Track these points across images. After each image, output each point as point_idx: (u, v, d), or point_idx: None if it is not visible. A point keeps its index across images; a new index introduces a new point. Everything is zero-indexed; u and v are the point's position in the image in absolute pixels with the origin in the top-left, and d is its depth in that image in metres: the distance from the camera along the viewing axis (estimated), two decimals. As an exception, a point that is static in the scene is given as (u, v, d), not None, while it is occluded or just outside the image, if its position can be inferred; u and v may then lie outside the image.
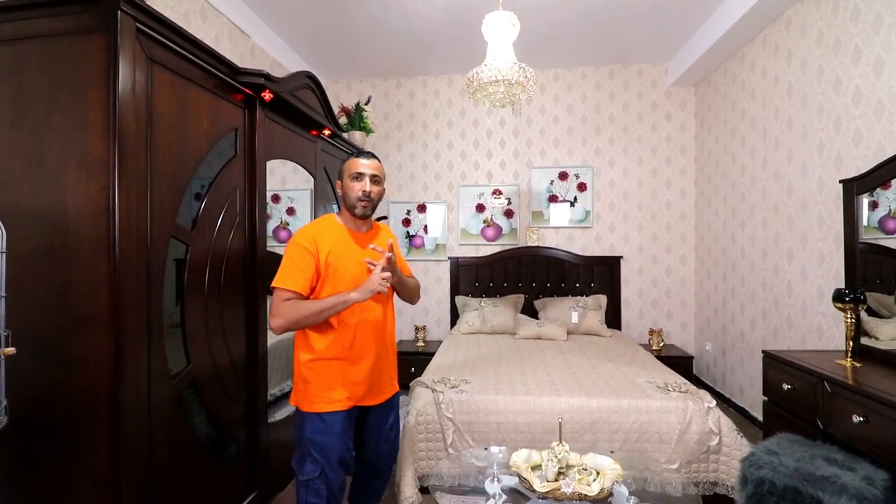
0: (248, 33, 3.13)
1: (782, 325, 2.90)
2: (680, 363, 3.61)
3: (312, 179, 2.81)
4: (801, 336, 2.71)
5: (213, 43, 2.77)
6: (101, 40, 1.37)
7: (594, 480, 1.52)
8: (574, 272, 4.22)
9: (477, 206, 4.40)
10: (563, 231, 4.32)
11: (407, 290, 1.76)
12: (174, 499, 1.64)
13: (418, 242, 4.47)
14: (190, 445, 1.74)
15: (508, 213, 4.37)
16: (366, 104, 3.98)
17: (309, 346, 1.56)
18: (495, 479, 1.66)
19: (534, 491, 1.53)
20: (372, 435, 1.70)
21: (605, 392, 2.30)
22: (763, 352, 2.22)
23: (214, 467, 1.88)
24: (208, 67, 1.76)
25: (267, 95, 2.06)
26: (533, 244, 4.29)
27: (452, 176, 4.45)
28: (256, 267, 2.07)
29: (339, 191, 1.65)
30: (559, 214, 4.31)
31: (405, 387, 2.79)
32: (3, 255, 1.15)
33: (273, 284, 1.50)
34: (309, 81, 2.53)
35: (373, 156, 1.65)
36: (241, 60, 3.08)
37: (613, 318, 4.14)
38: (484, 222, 4.40)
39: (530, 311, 4.14)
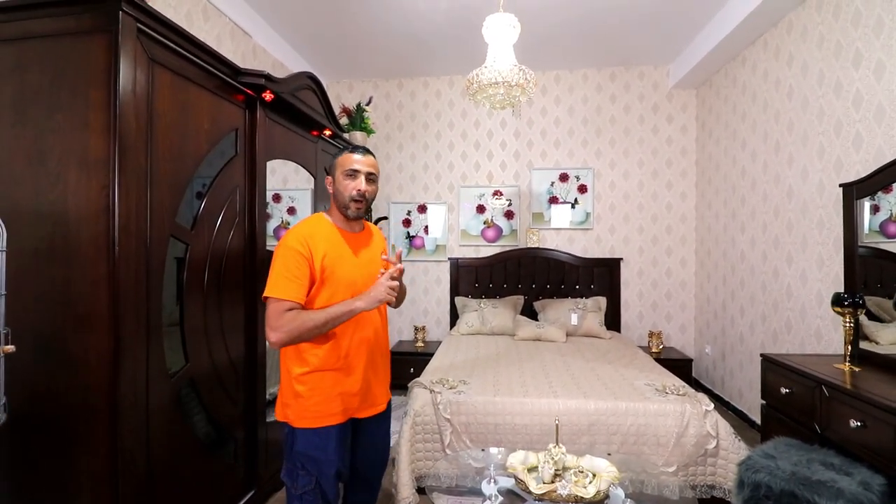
0: (250, 33, 3.14)
1: (781, 328, 2.89)
2: (679, 366, 3.61)
3: (313, 179, 2.82)
4: (801, 340, 2.70)
5: (215, 43, 2.78)
6: (103, 40, 1.38)
7: (590, 483, 1.52)
8: (574, 274, 4.22)
9: (477, 208, 4.41)
10: (563, 233, 4.32)
11: (402, 297, 1.65)
12: (172, 497, 1.65)
13: (418, 243, 4.48)
14: (188, 444, 1.74)
15: (509, 215, 4.37)
16: (367, 105, 3.99)
17: (301, 357, 1.43)
18: (492, 480, 1.66)
19: (530, 493, 1.53)
20: (364, 443, 1.59)
21: (603, 394, 2.30)
22: (762, 355, 2.22)
23: (212, 466, 1.89)
24: (209, 68, 1.77)
25: (268, 96, 2.07)
26: (533, 245, 4.29)
27: (453, 177, 4.46)
28: (256, 266, 2.08)
29: (329, 188, 1.51)
30: (559, 216, 4.31)
31: (403, 387, 2.80)
32: (3, 254, 1.16)
33: (267, 294, 1.35)
34: (310, 82, 2.54)
35: (368, 151, 1.52)
36: (243, 60, 3.09)
37: (613, 321, 4.14)
38: (484, 223, 4.40)
39: (530, 313, 4.14)
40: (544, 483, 1.54)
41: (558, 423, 1.72)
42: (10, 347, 1.16)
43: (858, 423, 1.63)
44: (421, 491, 2.15)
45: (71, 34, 1.40)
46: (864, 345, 2.07)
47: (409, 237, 4.49)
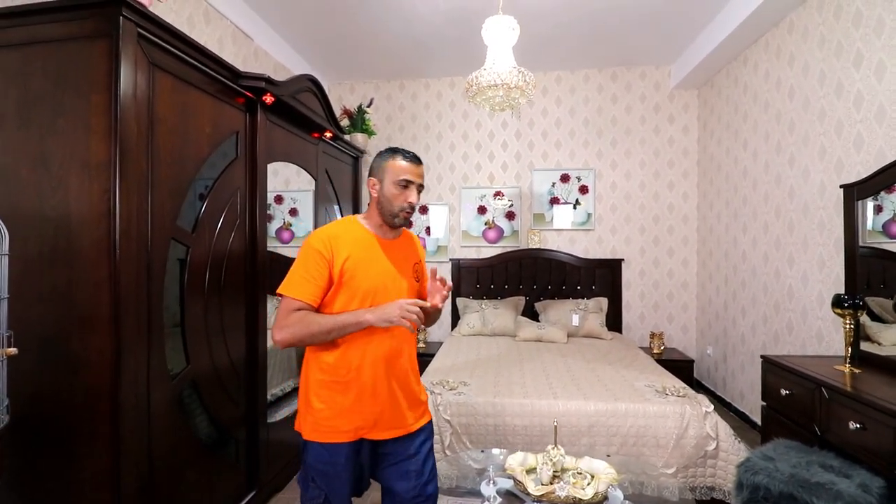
0: (252, 36, 3.16)
1: (783, 329, 2.89)
2: (681, 367, 3.61)
3: (314, 181, 2.83)
4: (802, 341, 2.70)
5: (217, 46, 2.80)
6: (104, 45, 1.40)
7: (588, 484, 1.52)
8: (575, 275, 4.22)
9: (479, 209, 4.41)
10: (564, 233, 4.32)
11: (434, 319, 1.54)
12: (173, 498, 1.66)
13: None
14: (189, 445, 1.76)
15: (510, 216, 4.37)
16: (368, 106, 4.01)
17: (319, 365, 1.35)
18: (491, 481, 1.66)
19: (528, 494, 1.54)
20: (394, 468, 1.41)
21: (603, 395, 2.30)
22: (762, 357, 2.22)
23: (214, 467, 1.90)
24: (210, 72, 1.78)
25: (268, 99, 2.08)
26: (534, 246, 4.29)
27: (454, 178, 4.47)
28: (256, 268, 2.10)
29: (372, 191, 1.39)
30: (561, 217, 4.31)
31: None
32: (5, 258, 1.18)
33: (280, 291, 1.30)
34: (310, 84, 2.55)
35: (418, 158, 1.42)
36: (245, 63, 3.11)
37: (614, 321, 4.14)
38: (485, 224, 4.41)
39: (531, 314, 4.14)
40: (543, 484, 1.55)
41: (557, 425, 1.72)
42: (13, 350, 1.18)
43: (858, 426, 1.63)
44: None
45: (73, 39, 1.41)
46: (866, 346, 2.06)
47: (411, 238, 4.49)
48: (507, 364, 2.92)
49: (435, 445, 2.23)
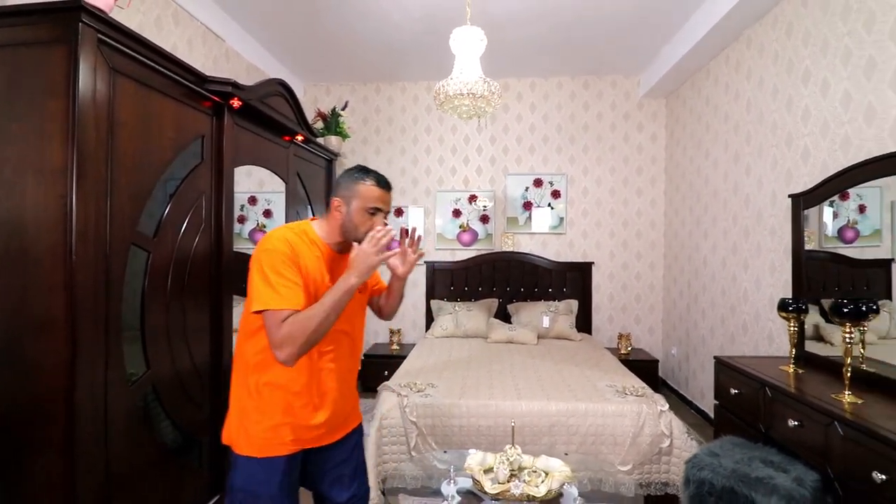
0: (223, 37, 3.14)
1: (738, 331, 3.02)
2: (646, 367, 3.73)
3: (284, 185, 2.84)
4: (755, 342, 2.83)
5: (186, 47, 2.78)
6: (62, 51, 1.39)
7: (542, 482, 1.58)
8: (547, 277, 4.31)
9: (453, 212, 4.46)
10: (537, 237, 4.41)
11: (398, 293, 1.52)
12: None
13: (395, 247, 4.49)
14: (151, 450, 1.76)
15: (484, 219, 4.44)
16: (342, 109, 4.02)
17: (260, 369, 1.24)
18: (452, 481, 1.71)
19: (486, 493, 1.59)
20: (338, 471, 1.39)
21: (565, 396, 2.38)
22: (715, 357, 2.33)
23: (177, 472, 1.90)
24: (174, 76, 1.79)
25: (235, 103, 2.09)
26: (508, 249, 4.37)
27: (430, 181, 4.51)
28: (221, 272, 2.10)
29: (336, 213, 1.30)
30: (534, 220, 4.39)
31: (376, 391, 2.83)
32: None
33: (263, 307, 1.14)
34: (280, 88, 2.56)
35: (388, 184, 1.35)
36: (216, 64, 3.09)
37: (584, 323, 4.24)
38: (460, 227, 4.46)
39: (504, 316, 4.21)
40: (499, 483, 1.60)
41: (514, 425, 1.78)
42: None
43: (796, 423, 1.73)
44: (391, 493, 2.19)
45: (29, 44, 1.41)
46: (818, 346, 2.15)
47: (386, 240, 4.51)
48: (476, 366, 2.98)
49: (401, 447, 2.27)
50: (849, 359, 1.69)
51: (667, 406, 2.28)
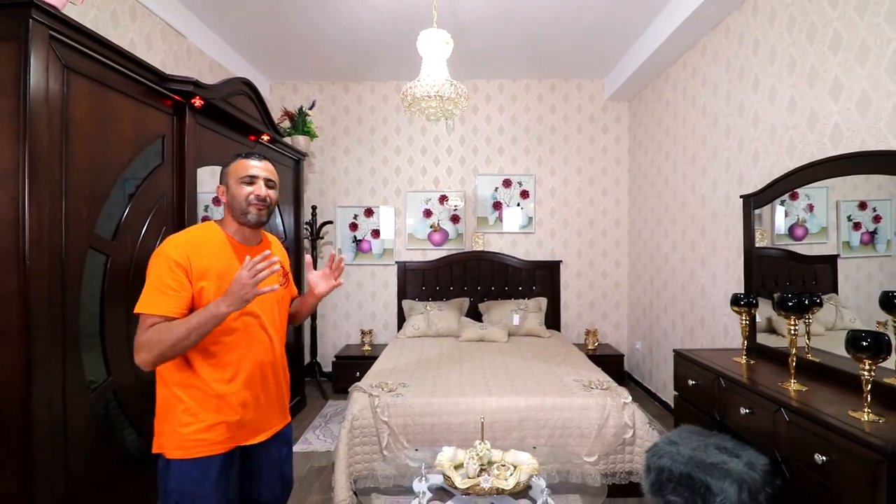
0: (184, 33, 3.05)
1: (697, 325, 3.16)
2: (612, 361, 3.86)
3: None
4: (712, 335, 2.97)
5: (145, 44, 2.69)
6: (12, 48, 1.34)
7: (511, 475, 1.63)
8: (517, 276, 4.39)
9: (424, 212, 4.48)
10: (506, 236, 4.48)
11: (306, 312, 1.59)
12: (94, 514, 1.61)
13: (365, 247, 4.50)
14: (114, 458, 1.71)
15: (455, 219, 4.48)
16: (310, 109, 3.97)
17: (189, 372, 1.26)
18: (423, 478, 1.74)
19: (457, 488, 1.62)
20: (259, 472, 1.43)
21: (534, 391, 2.44)
22: (674, 350, 2.44)
23: (142, 479, 1.85)
24: (131, 74, 1.73)
25: (197, 102, 2.04)
26: (478, 249, 4.42)
27: (400, 181, 4.51)
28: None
29: (222, 198, 1.36)
30: (504, 220, 4.47)
31: (346, 391, 2.82)
32: None
33: (138, 310, 1.19)
34: (244, 87, 2.52)
35: (264, 157, 1.40)
36: (177, 61, 3.00)
37: (554, 320, 4.34)
38: (431, 227, 4.49)
39: (475, 314, 4.26)
40: (469, 478, 1.64)
41: (483, 421, 1.82)
42: None
43: (747, 410, 1.84)
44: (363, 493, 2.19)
45: (-26, 40, 1.34)
46: (772, 338, 2.28)
47: (356, 241, 4.50)
48: (447, 364, 3.01)
49: (372, 447, 2.28)
50: (794, 349, 1.81)
51: (630, 398, 2.37)
